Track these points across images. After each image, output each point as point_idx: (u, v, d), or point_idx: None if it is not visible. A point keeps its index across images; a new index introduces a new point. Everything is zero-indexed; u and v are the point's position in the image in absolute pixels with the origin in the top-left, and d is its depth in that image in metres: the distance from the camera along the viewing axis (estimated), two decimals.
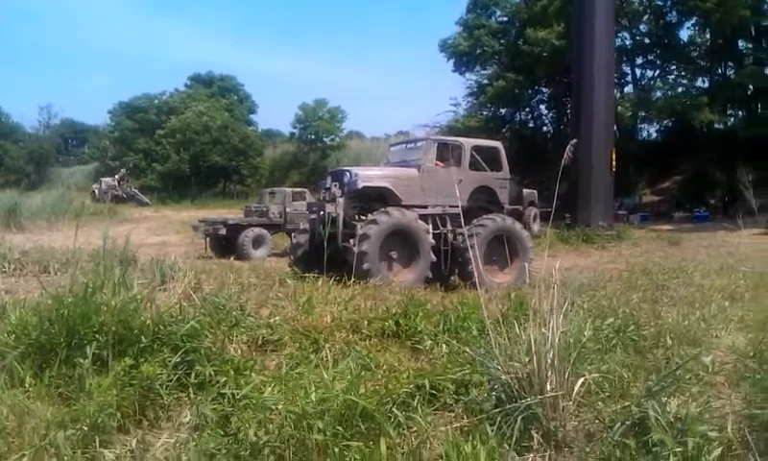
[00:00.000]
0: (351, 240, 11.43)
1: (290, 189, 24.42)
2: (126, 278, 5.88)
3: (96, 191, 48.43)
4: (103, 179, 51.02)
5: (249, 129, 62.63)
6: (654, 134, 46.67)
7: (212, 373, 4.60)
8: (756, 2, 34.66)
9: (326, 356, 5.12)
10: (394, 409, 4.04)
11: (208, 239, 20.66)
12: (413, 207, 12.24)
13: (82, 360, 4.41)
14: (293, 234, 14.69)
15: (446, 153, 13.13)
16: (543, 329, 4.27)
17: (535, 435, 3.84)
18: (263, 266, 13.88)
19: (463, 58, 49.57)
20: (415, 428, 3.97)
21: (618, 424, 3.76)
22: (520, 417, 3.85)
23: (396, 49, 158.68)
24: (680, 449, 3.37)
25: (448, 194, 11.79)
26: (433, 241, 12.13)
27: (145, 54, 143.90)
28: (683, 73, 41.46)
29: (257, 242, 20.31)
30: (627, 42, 43.22)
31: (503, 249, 12.37)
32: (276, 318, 6.20)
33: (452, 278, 12.47)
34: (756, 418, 3.75)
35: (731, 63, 40.70)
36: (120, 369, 4.38)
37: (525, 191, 21.79)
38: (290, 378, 4.44)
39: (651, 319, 6.80)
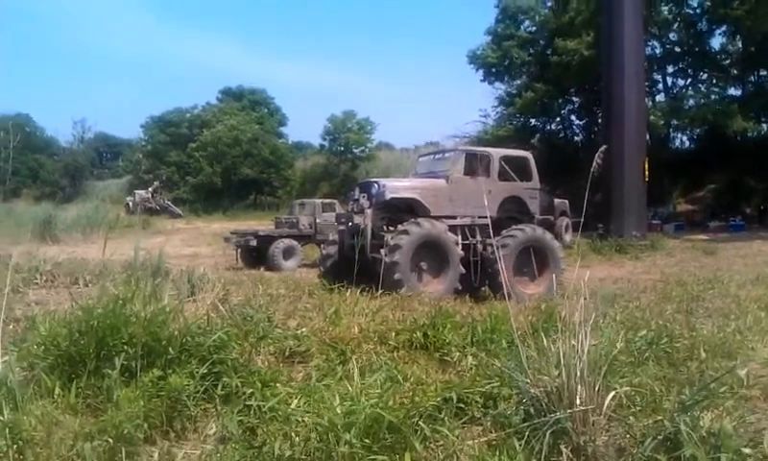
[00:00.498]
0: (381, 251, 11.41)
1: (320, 201, 24.55)
2: (156, 289, 5.92)
3: (130, 203, 49.21)
4: (136, 191, 51.86)
5: (279, 141, 63.28)
6: (687, 143, 46.22)
7: (239, 384, 4.60)
8: None
9: (353, 368, 5.08)
10: (420, 422, 4.00)
11: (239, 250, 20.87)
12: (441, 218, 12.18)
13: (110, 371, 4.42)
14: (322, 245, 14.73)
15: (475, 163, 13.05)
16: (573, 342, 4.20)
17: (564, 450, 3.76)
18: (293, 277, 13.93)
19: (492, 68, 49.46)
20: (442, 442, 3.93)
21: (650, 438, 3.68)
22: (549, 431, 3.78)
23: (425, 60, 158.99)
24: None
25: (477, 205, 11.72)
26: (462, 253, 12.06)
27: (174, 67, 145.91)
28: (714, 81, 40.85)
29: (287, 253, 20.43)
30: (657, 51, 42.77)
31: (534, 259, 12.25)
32: (304, 329, 6.19)
33: (482, 289, 12.37)
34: None
35: (763, 71, 40.08)
36: (148, 380, 4.39)
37: (556, 201, 21.64)
38: (316, 390, 4.42)
39: (685, 331, 6.64)
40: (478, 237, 12.41)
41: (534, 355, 4.45)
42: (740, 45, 40.27)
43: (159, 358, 4.71)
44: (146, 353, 4.68)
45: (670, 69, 43.82)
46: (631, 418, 4.06)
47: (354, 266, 9.57)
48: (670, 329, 6.52)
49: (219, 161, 56.49)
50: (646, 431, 3.84)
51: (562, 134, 50.71)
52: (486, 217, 11.47)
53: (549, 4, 46.87)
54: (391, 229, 12.24)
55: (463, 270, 11.99)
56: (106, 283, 6.47)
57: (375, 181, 13.03)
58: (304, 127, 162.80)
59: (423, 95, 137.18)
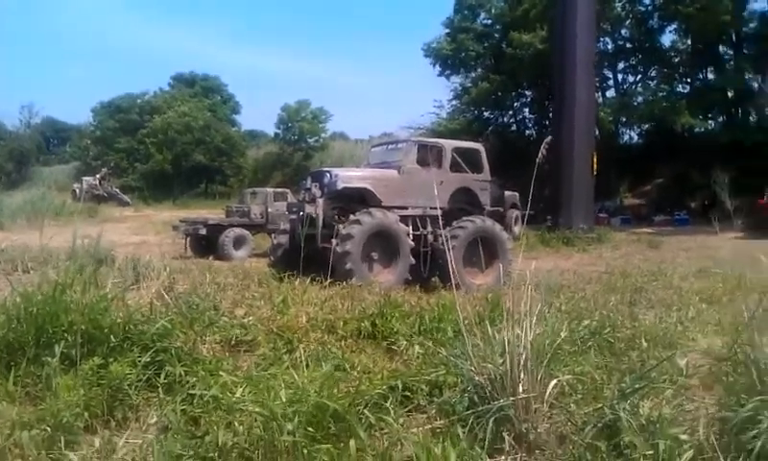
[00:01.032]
0: (332, 240, 11.38)
1: (271, 190, 24.32)
2: (97, 276, 5.80)
3: (77, 190, 47.84)
4: (84, 178, 50.46)
5: (232, 129, 62.55)
6: (635, 138, 47.30)
7: (182, 373, 4.54)
8: (736, 8, 35.02)
9: (300, 357, 5.05)
10: (365, 411, 4.00)
11: (188, 239, 20.55)
12: (393, 209, 12.21)
13: (49, 359, 4.32)
14: (273, 235, 14.61)
15: (427, 154, 13.10)
16: (518, 330, 4.24)
17: (506, 437, 3.80)
18: (243, 266, 13.77)
19: (447, 61, 49.69)
20: (386, 430, 3.92)
21: (590, 426, 3.74)
22: (492, 419, 3.81)
23: (382, 51, 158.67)
24: (650, 452, 3.35)
25: (429, 196, 11.77)
26: (413, 243, 12.11)
27: (125, 52, 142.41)
28: (664, 78, 41.86)
29: (238, 242, 20.21)
30: (609, 47, 43.69)
31: (483, 251, 12.36)
32: (251, 318, 6.14)
33: (432, 279, 12.43)
34: (729, 421, 3.73)
35: (711, 68, 41.17)
36: (88, 368, 4.32)
37: (507, 193, 21.90)
38: (261, 379, 4.37)
39: (627, 321, 6.77)
40: (429, 228, 12.47)
41: (479, 344, 4.48)
42: (689, 43, 41.29)
43: (101, 346, 4.63)
44: (86, 341, 4.60)
45: (621, 65, 44.80)
46: (572, 405, 4.12)
47: (301, 255, 9.52)
48: (613, 320, 6.63)
49: (169, 148, 55.53)
50: (587, 419, 3.90)
51: (514, 128, 51.36)
52: (437, 208, 11.54)
53: None
54: (342, 218, 12.21)
55: (413, 260, 12.05)
56: (46, 270, 6.29)
57: (328, 171, 12.99)
58: (258, 115, 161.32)
59: (379, 86, 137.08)
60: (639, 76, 44.26)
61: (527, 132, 50.94)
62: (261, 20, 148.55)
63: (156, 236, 26.45)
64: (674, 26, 40.75)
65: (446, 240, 11.34)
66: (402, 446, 3.82)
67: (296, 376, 4.26)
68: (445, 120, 49.12)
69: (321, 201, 12.05)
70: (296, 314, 6.45)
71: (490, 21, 49.46)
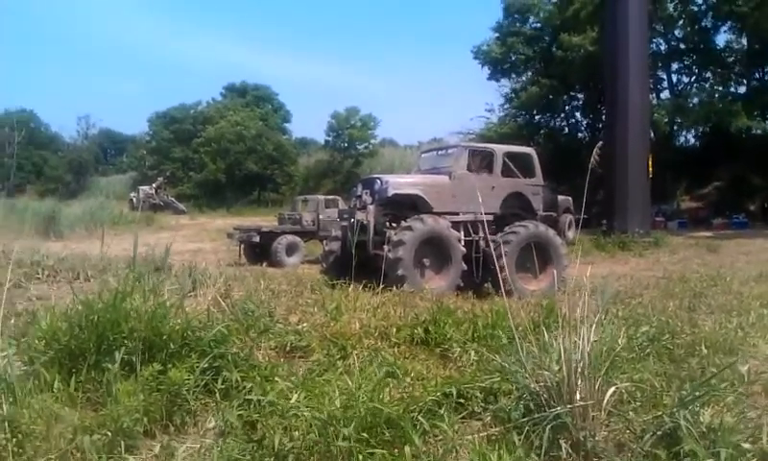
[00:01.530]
0: (384, 247, 11.40)
1: (323, 197, 24.49)
2: (156, 284, 5.93)
3: (134, 200, 49.23)
4: (140, 187, 51.89)
5: (283, 137, 63.38)
6: (691, 140, 46.13)
7: (239, 378, 4.61)
8: None
9: (353, 363, 5.09)
10: (419, 417, 4.00)
11: (242, 246, 20.85)
12: (444, 215, 12.17)
13: (110, 365, 4.41)
14: (325, 242, 14.72)
15: (478, 160, 13.04)
16: (574, 337, 4.19)
17: (563, 445, 3.76)
18: (295, 273, 13.91)
19: (497, 64, 49.34)
20: (441, 437, 3.92)
21: (649, 434, 3.68)
22: (549, 426, 3.78)
23: (430, 56, 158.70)
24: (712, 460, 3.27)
25: (480, 201, 11.70)
26: (465, 249, 12.04)
27: (178, 63, 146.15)
28: (719, 78, 40.84)
29: (290, 249, 20.41)
30: (662, 48, 42.73)
31: (536, 256, 12.22)
32: (305, 324, 6.20)
33: (485, 285, 12.34)
34: None
35: (767, 69, 39.99)
36: (148, 374, 4.40)
37: (560, 198, 21.61)
38: (316, 385, 4.42)
39: (687, 327, 6.63)
40: (481, 234, 12.39)
41: (534, 351, 4.44)
42: (745, 43, 40.23)
43: (160, 353, 4.72)
44: (146, 348, 4.69)
45: (675, 66, 43.80)
46: (631, 413, 4.06)
47: (353, 262, 9.56)
48: (672, 326, 6.51)
49: (223, 157, 56.57)
50: (646, 426, 3.84)
51: (566, 131, 50.58)
52: (489, 213, 11.45)
53: (554, 0, 46.68)
54: (393, 225, 12.23)
55: (465, 266, 11.98)
56: (106, 278, 6.47)
57: (378, 178, 13.01)
58: (308, 123, 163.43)
59: (428, 92, 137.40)
60: (694, 77, 43.14)
61: (579, 135, 50.13)
62: (308, 29, 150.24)
63: (211, 244, 26.97)
64: (728, 25, 39.69)
65: (498, 246, 11.26)
66: (457, 452, 3.82)
67: (349, 382, 4.29)
68: (496, 124, 48.71)
69: (371, 207, 12.09)
70: (349, 320, 6.49)
71: (539, 24, 48.92)
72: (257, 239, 20.40)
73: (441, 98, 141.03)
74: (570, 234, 20.84)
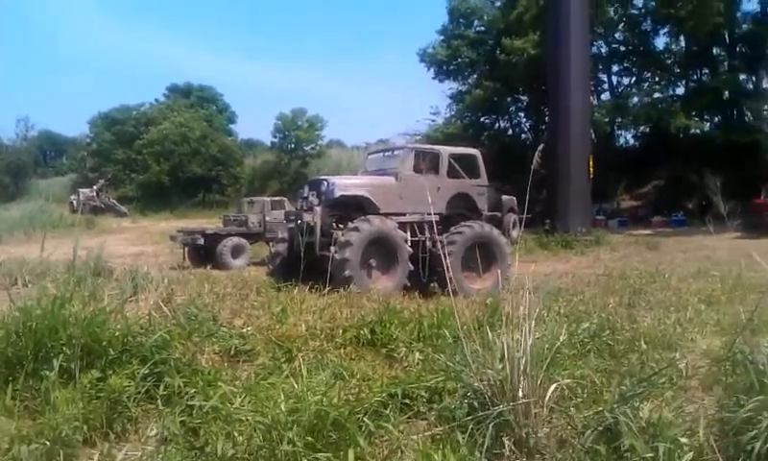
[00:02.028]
0: (331, 248, 11.37)
1: (269, 198, 24.30)
2: (96, 289, 5.79)
3: (74, 202, 47.86)
4: (81, 190, 50.43)
5: (228, 139, 62.47)
6: (631, 141, 47.47)
7: (181, 384, 4.53)
8: (728, 9, 35.15)
9: (299, 366, 5.05)
10: (365, 418, 3.99)
11: (186, 249, 20.52)
12: (391, 216, 12.21)
13: (48, 373, 4.31)
14: (271, 244, 14.60)
15: (424, 161, 13.13)
16: (517, 335, 4.24)
17: (506, 442, 3.81)
18: (241, 275, 13.75)
19: (442, 66, 49.77)
20: (386, 437, 3.92)
21: (590, 430, 3.75)
22: (492, 424, 3.82)
23: (377, 58, 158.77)
24: (651, 455, 3.36)
25: (426, 202, 11.77)
26: (411, 249, 12.10)
27: (121, 63, 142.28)
28: (658, 80, 42.06)
29: (236, 251, 20.19)
30: (603, 50, 43.76)
31: (481, 256, 12.35)
32: (250, 328, 6.15)
33: (431, 285, 12.42)
34: (728, 422, 3.74)
35: (705, 70, 41.33)
36: (87, 381, 4.32)
37: (504, 198, 21.87)
38: (260, 389, 4.37)
39: (627, 323, 6.78)
40: (427, 234, 12.46)
41: (478, 350, 4.48)
42: (683, 45, 41.51)
43: (99, 359, 4.62)
44: (85, 354, 4.59)
45: (615, 68, 45.01)
46: (572, 409, 4.13)
47: (302, 264, 9.52)
48: (612, 322, 6.65)
49: (166, 159, 55.46)
50: (587, 422, 3.91)
51: (510, 133, 51.34)
52: (435, 214, 11.53)
53: (498, 4, 47.29)
54: (340, 226, 12.22)
55: (412, 267, 12.03)
56: (45, 283, 6.29)
57: (325, 179, 12.99)
58: (255, 125, 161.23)
59: (375, 93, 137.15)
60: (634, 78, 44.38)
61: (523, 136, 50.93)
62: (253, 29, 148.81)
63: (153, 247, 26.38)
64: (667, 28, 40.84)
65: (444, 246, 11.35)
66: (402, 453, 3.83)
67: (295, 385, 4.26)
68: (442, 126, 49.09)
69: (318, 209, 12.05)
70: (295, 323, 6.46)
71: (483, 28, 49.48)
72: (202, 242, 20.12)
73: (389, 100, 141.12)
74: (514, 234, 21.12)
